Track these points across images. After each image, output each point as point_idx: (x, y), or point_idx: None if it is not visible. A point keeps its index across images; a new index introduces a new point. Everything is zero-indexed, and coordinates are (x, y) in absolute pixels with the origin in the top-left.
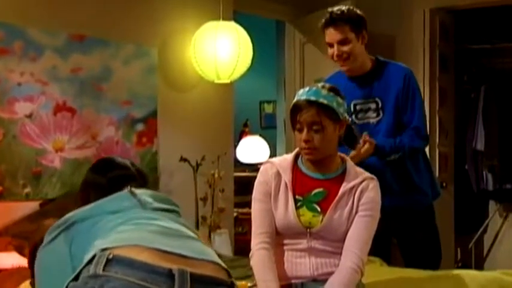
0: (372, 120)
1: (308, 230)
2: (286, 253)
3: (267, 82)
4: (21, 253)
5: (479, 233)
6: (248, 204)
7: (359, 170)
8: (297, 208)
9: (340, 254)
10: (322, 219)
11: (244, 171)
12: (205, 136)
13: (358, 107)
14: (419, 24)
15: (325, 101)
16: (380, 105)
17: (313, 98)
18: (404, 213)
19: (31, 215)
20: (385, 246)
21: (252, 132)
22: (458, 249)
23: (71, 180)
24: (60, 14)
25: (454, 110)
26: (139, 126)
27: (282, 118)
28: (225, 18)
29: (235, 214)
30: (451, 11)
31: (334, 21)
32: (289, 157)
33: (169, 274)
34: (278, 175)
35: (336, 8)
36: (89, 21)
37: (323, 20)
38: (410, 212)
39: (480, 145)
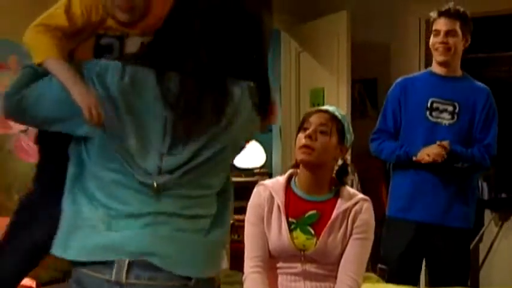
0: (445, 122)
1: (302, 252)
2: (280, 277)
3: None
4: None
5: (474, 241)
6: (244, 210)
7: (352, 191)
8: (290, 231)
9: (335, 277)
10: (316, 242)
11: (241, 176)
12: None
13: (435, 105)
14: (415, 33)
15: (339, 116)
16: (457, 109)
17: (331, 110)
18: (445, 231)
19: None
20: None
21: None
22: None
23: None
24: None
25: None
26: None
27: (277, 124)
28: None
29: (231, 221)
30: None
31: (449, 12)
32: (282, 179)
33: None
34: (271, 197)
35: (452, 3)
36: None
37: (437, 11)
38: (454, 231)
39: None
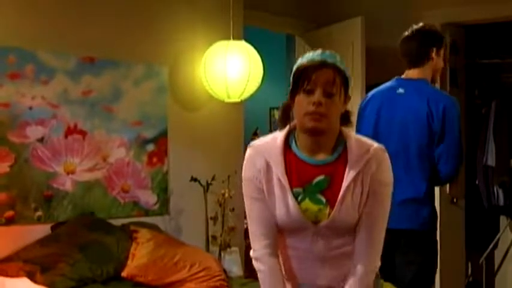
0: None
1: (315, 225)
2: (290, 252)
3: (277, 89)
4: (32, 279)
5: (490, 248)
6: None
7: (362, 141)
8: (298, 203)
9: (350, 245)
10: (329, 212)
11: None
12: (215, 155)
13: None
14: None
15: (341, 67)
16: None
17: (330, 60)
18: (409, 234)
19: (43, 240)
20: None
21: None
22: (469, 265)
23: (82, 202)
24: (70, 37)
25: (465, 125)
26: (150, 147)
27: None
28: (235, 38)
29: (245, 226)
30: (461, 25)
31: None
32: (278, 139)
33: None
34: (268, 168)
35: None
36: (99, 42)
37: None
38: (416, 233)
39: (491, 160)
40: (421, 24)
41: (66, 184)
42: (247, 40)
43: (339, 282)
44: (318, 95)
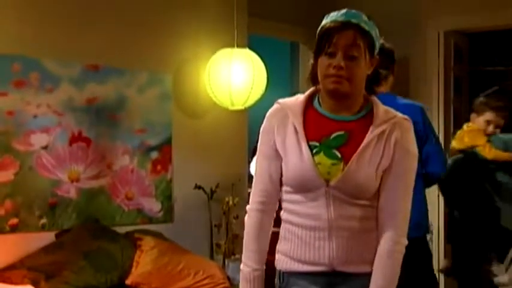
0: None
1: (327, 183)
2: (297, 220)
3: (281, 97)
4: (36, 286)
5: None
6: None
7: (389, 110)
8: (312, 155)
9: (368, 219)
10: (343, 168)
11: None
12: (219, 163)
13: None
14: (434, 47)
15: (366, 27)
16: None
17: (354, 21)
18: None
19: (47, 247)
20: None
21: None
22: None
23: (86, 210)
24: (75, 45)
25: None
26: (154, 154)
27: None
28: (239, 45)
29: None
30: (465, 33)
31: None
32: (302, 96)
33: None
34: (286, 118)
35: None
36: (103, 50)
37: None
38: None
39: None
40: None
41: (71, 192)
42: (251, 48)
43: (355, 265)
44: (338, 58)
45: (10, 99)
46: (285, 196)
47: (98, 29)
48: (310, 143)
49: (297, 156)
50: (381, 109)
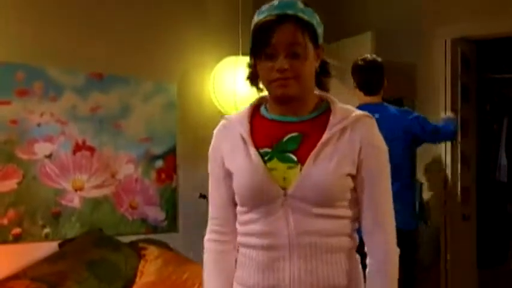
0: None
1: (283, 191)
2: (253, 241)
3: None
4: None
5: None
6: None
7: (348, 107)
8: (264, 162)
9: (338, 235)
10: (300, 169)
11: None
12: None
13: None
14: (441, 54)
15: (305, 17)
16: None
17: (290, 12)
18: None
19: (50, 257)
20: None
21: None
22: (479, 283)
23: (90, 219)
24: (78, 53)
25: (476, 141)
26: (159, 163)
27: None
28: (244, 53)
29: None
30: (473, 40)
31: None
32: (248, 106)
33: None
34: (232, 130)
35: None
36: (107, 59)
37: None
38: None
39: (503, 177)
40: (373, 56)
41: (74, 201)
42: None
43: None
44: (281, 60)
45: (13, 107)
46: (239, 218)
47: (102, 38)
48: (261, 150)
49: (247, 164)
50: (339, 106)
